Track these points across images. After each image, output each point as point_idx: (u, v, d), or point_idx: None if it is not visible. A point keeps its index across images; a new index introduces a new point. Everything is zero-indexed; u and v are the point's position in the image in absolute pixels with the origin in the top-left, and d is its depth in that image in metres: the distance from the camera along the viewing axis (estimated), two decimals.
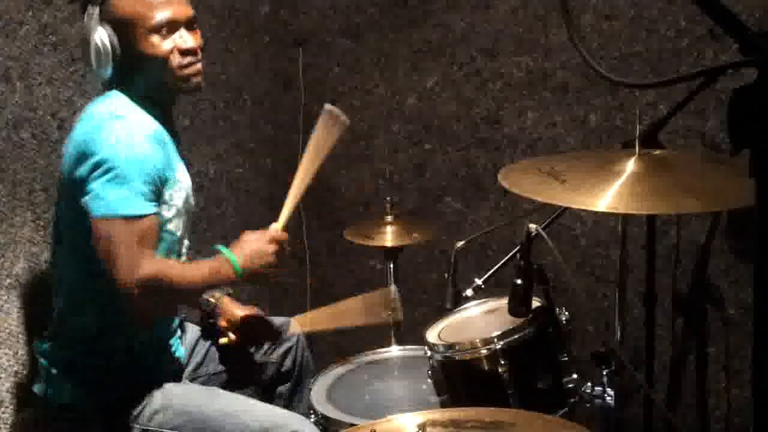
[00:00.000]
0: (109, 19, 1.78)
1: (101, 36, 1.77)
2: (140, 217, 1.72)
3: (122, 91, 1.84)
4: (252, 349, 2.16)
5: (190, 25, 1.85)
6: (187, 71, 1.84)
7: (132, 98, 1.84)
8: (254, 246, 1.83)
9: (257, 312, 2.16)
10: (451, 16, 2.80)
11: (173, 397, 1.87)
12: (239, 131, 2.94)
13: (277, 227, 1.91)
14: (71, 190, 1.76)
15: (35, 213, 2.08)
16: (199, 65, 1.87)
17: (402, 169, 3.01)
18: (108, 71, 1.80)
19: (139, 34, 1.79)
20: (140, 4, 1.79)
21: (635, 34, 2.48)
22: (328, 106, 1.99)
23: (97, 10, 1.77)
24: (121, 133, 1.73)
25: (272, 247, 1.84)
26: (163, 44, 1.80)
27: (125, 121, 1.75)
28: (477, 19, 2.76)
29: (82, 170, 1.72)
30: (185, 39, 1.83)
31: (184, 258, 1.98)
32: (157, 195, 1.78)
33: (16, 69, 2.04)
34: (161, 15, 1.79)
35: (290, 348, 2.22)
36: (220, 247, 1.85)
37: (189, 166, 2.69)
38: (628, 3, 2.48)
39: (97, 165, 1.70)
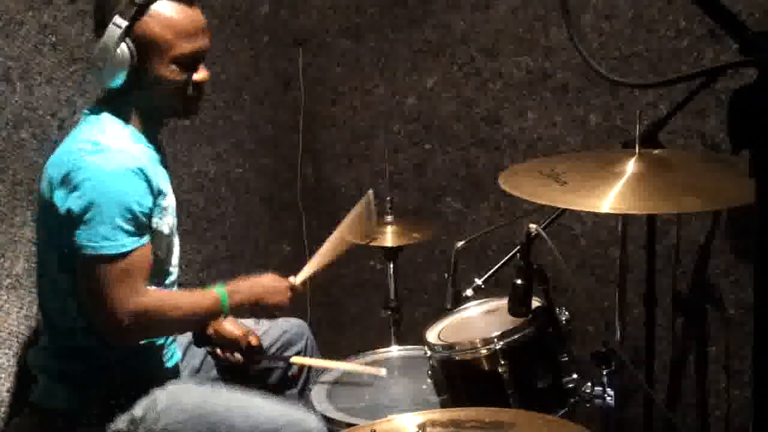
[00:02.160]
0: (134, 35, 1.74)
1: (123, 51, 1.73)
2: (125, 254, 1.70)
3: (117, 108, 1.82)
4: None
5: (204, 56, 1.87)
6: (197, 102, 1.88)
7: (126, 117, 1.82)
8: (272, 284, 1.97)
9: (251, 333, 2.14)
10: (451, 16, 2.81)
11: (178, 395, 1.86)
12: (239, 131, 2.94)
13: (296, 280, 2.04)
14: (51, 216, 1.74)
15: (35, 213, 2.08)
16: (203, 95, 1.91)
17: (402, 169, 3.01)
18: (117, 82, 1.77)
19: (161, 59, 1.77)
20: (171, 32, 1.76)
21: (635, 34, 2.48)
22: (370, 194, 2.19)
23: (125, 23, 1.73)
24: (102, 168, 1.70)
25: (288, 294, 1.99)
26: (182, 75, 1.80)
27: (108, 155, 1.72)
28: (477, 19, 2.76)
29: (63, 203, 1.71)
30: (201, 73, 1.84)
31: (173, 274, 1.96)
32: (142, 227, 1.75)
33: (16, 69, 2.04)
34: (187, 47, 1.78)
35: (299, 352, 2.22)
36: (216, 287, 1.87)
37: (189, 166, 2.72)
38: (628, 3, 2.48)
39: (78, 201, 1.68)
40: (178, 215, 1.99)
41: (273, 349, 2.20)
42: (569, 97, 2.64)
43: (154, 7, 1.75)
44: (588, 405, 1.83)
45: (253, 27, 2.98)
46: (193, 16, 1.81)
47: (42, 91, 2.11)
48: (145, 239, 1.76)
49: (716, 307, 2.36)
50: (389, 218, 2.52)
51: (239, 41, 2.91)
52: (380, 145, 3.00)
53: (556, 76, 2.65)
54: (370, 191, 2.20)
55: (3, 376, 2.03)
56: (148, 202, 1.76)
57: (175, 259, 1.96)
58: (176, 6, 1.78)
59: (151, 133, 1.89)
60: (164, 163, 1.92)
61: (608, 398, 1.81)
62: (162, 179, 1.86)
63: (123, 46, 1.74)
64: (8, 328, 2.04)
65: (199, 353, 2.13)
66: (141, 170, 1.74)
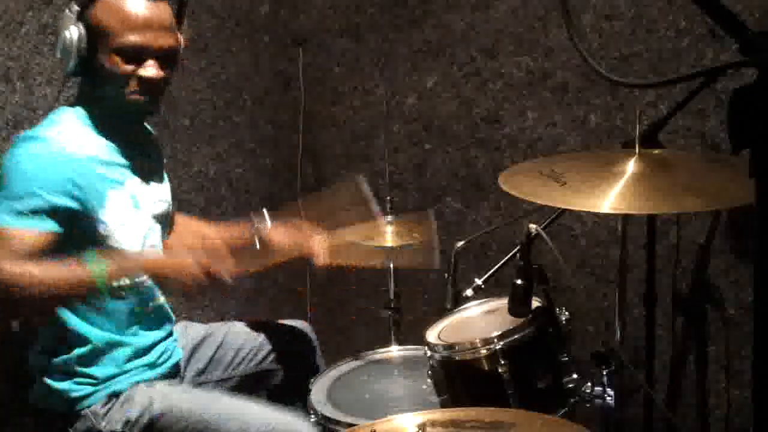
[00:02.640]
0: (85, 21, 1.75)
1: (72, 35, 1.74)
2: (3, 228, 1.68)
3: (81, 100, 1.83)
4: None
5: (165, 57, 1.80)
6: (137, 98, 1.80)
7: (87, 109, 1.82)
8: (185, 260, 1.76)
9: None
10: (451, 16, 2.80)
11: (173, 399, 1.86)
12: (239, 131, 2.94)
13: (228, 264, 1.79)
14: None
15: None
16: (157, 97, 1.83)
17: (402, 169, 3.01)
18: (69, 68, 1.78)
19: (104, 47, 1.75)
20: (117, 21, 1.74)
21: (635, 34, 2.48)
22: None
23: (76, 7, 1.75)
24: (23, 152, 1.72)
25: (199, 271, 1.73)
26: (122, 66, 1.76)
27: (39, 144, 1.73)
28: (477, 19, 2.76)
29: None
30: (148, 69, 1.77)
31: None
32: (36, 214, 1.69)
33: (16, 69, 2.05)
34: (131, 39, 1.74)
35: (302, 354, 2.23)
36: (95, 263, 1.76)
37: (189, 166, 2.72)
38: (628, 3, 2.48)
39: None
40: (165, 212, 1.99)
41: (275, 352, 2.18)
42: (569, 97, 2.64)
43: None
44: (588, 405, 1.83)
45: (253, 27, 2.98)
46: (149, 9, 1.76)
47: (42, 91, 2.11)
48: (35, 227, 1.69)
49: (716, 307, 2.36)
50: (389, 218, 2.52)
51: (239, 41, 2.91)
52: (380, 145, 3.00)
53: (556, 76, 2.65)
54: None
55: (3, 376, 2.03)
56: (65, 192, 1.72)
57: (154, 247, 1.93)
58: None
59: (113, 125, 1.85)
60: (131, 155, 1.88)
61: (608, 398, 1.81)
62: (118, 170, 1.84)
63: (73, 30, 1.74)
64: (8, 328, 2.04)
65: (204, 356, 2.12)
66: (70, 160, 1.73)
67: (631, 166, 1.68)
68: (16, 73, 2.04)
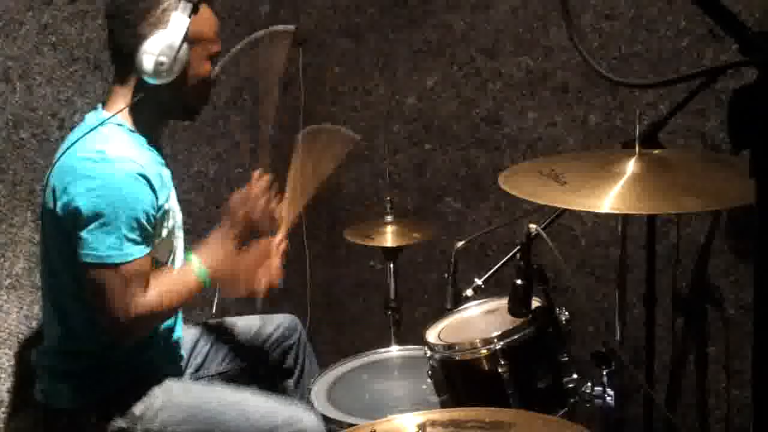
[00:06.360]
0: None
1: (184, 45, 1.77)
2: (129, 262, 1.70)
3: (121, 110, 1.82)
4: None
5: None
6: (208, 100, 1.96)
7: (129, 118, 1.82)
8: (254, 263, 1.98)
9: None
10: (451, 16, 2.81)
11: (175, 394, 1.88)
12: (239, 131, 2.94)
13: (277, 238, 2.06)
14: (55, 223, 1.74)
15: (35, 213, 2.08)
16: None
17: (402, 169, 3.01)
18: (171, 77, 1.77)
19: (201, 54, 1.85)
20: (212, 31, 1.88)
21: (635, 34, 2.48)
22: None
23: (186, 19, 1.75)
24: (104, 177, 1.69)
25: (275, 266, 2.02)
26: (211, 70, 1.91)
27: (110, 164, 1.71)
28: (477, 19, 2.76)
29: (66, 213, 1.70)
30: (213, 72, 1.93)
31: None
32: (146, 235, 1.75)
33: (16, 69, 2.04)
34: (218, 45, 1.90)
35: (291, 346, 2.23)
36: (190, 256, 1.86)
37: (189, 166, 2.72)
38: (628, 3, 2.48)
39: (81, 212, 1.68)
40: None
41: (268, 344, 2.22)
42: (569, 97, 2.64)
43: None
44: (588, 405, 1.83)
45: (253, 27, 2.96)
46: (215, 18, 1.92)
47: (42, 91, 2.11)
48: (150, 248, 1.77)
49: (716, 307, 2.36)
50: (389, 218, 2.52)
51: (239, 41, 2.91)
52: (380, 145, 3.00)
53: (556, 76, 2.65)
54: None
55: (3, 376, 2.03)
56: (153, 208, 1.77)
57: (178, 261, 1.97)
58: (208, 9, 1.87)
59: (154, 133, 1.89)
60: (166, 164, 1.92)
61: (608, 398, 1.81)
62: (163, 182, 1.86)
63: (185, 45, 1.77)
64: (8, 328, 2.04)
65: (202, 352, 2.15)
66: (144, 176, 1.75)
67: (631, 166, 1.68)
68: (16, 73, 2.04)
